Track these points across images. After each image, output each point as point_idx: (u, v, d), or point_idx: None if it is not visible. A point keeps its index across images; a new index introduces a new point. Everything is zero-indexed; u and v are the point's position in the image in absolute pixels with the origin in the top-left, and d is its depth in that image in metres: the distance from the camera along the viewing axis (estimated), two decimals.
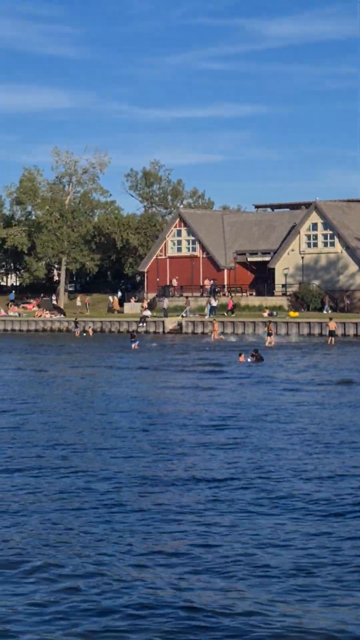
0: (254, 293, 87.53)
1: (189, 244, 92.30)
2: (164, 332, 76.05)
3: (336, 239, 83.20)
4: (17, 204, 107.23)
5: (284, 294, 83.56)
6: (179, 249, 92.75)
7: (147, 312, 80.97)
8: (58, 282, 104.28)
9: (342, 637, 10.47)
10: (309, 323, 69.90)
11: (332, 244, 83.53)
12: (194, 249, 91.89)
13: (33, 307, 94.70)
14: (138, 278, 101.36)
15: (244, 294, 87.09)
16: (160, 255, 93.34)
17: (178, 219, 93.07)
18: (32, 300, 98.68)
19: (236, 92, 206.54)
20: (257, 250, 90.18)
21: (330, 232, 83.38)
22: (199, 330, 74.06)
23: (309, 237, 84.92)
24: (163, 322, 77.33)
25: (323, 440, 22.54)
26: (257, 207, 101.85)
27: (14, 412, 27.98)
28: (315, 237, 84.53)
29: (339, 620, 10.88)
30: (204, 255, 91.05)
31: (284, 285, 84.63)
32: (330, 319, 64.24)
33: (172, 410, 28.48)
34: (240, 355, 46.99)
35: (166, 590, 11.83)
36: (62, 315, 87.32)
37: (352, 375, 38.95)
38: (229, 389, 34.60)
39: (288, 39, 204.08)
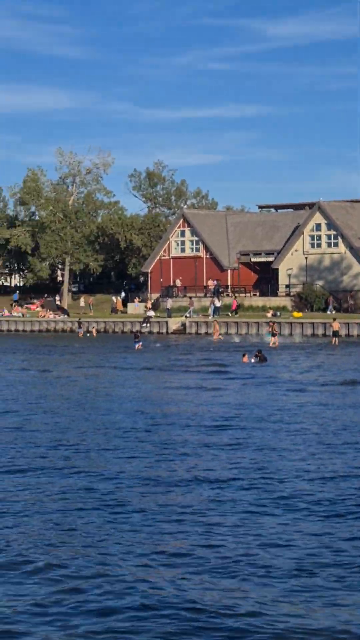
0: (258, 293, 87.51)
1: (192, 244, 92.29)
2: (167, 332, 76.05)
3: (340, 240, 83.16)
4: (21, 204, 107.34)
5: (288, 295, 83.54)
6: (183, 250, 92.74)
7: (151, 313, 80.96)
8: (62, 282, 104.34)
9: (346, 638, 10.46)
10: (313, 323, 69.88)
11: (336, 245, 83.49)
12: (197, 250, 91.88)
13: (37, 307, 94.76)
14: (142, 278, 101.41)
15: (248, 294, 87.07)
16: (163, 256, 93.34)
17: (181, 220, 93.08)
18: (35, 301, 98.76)
19: (239, 93, 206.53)
20: (260, 251, 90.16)
21: (334, 232, 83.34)
22: (203, 330, 74.05)
23: (312, 237, 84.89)
24: (167, 322, 77.33)
25: (326, 440, 22.52)
26: (260, 207, 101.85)
27: (18, 413, 27.98)
28: (319, 237, 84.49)
29: (342, 620, 10.86)
30: (208, 256, 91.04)
31: (287, 286, 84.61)
32: (334, 319, 64.21)
33: (176, 410, 28.47)
34: (243, 355, 46.97)
35: (169, 590, 11.82)
36: (65, 316, 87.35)
37: (356, 375, 38.90)
38: (233, 389, 34.57)
39: (290, 40, 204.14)
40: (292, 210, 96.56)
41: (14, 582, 12.23)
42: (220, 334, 66.98)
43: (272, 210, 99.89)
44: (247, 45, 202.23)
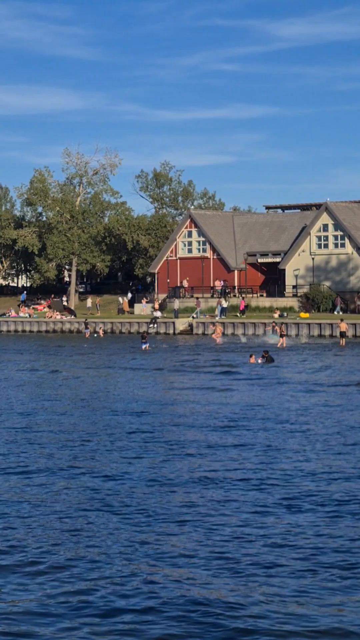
0: (265, 294, 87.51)
1: (199, 245, 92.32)
2: (174, 333, 76.05)
3: (347, 240, 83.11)
4: (28, 205, 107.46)
5: (295, 295, 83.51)
6: (190, 250, 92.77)
7: (158, 313, 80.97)
8: (69, 283, 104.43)
9: (352, 639, 10.48)
10: (320, 324, 69.83)
11: (343, 245, 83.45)
12: (204, 250, 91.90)
13: (44, 308, 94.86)
14: (149, 279, 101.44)
15: (255, 295, 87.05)
16: (170, 256, 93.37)
17: (188, 220, 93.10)
18: (42, 301, 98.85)
19: (247, 94, 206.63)
20: (267, 252, 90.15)
21: (341, 233, 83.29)
22: (210, 331, 74.02)
23: (319, 238, 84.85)
24: (173, 323, 77.33)
25: (333, 441, 22.52)
26: (267, 208, 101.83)
27: (30, 414, 28.02)
28: (326, 238, 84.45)
29: (347, 620, 10.88)
30: (215, 256, 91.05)
31: (294, 287, 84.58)
32: (341, 320, 64.15)
33: (184, 411, 28.49)
34: (251, 356, 46.98)
35: (174, 591, 11.84)
36: (72, 316, 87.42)
37: None
38: (240, 390, 34.58)
39: (299, 40, 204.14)
40: (299, 210, 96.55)
41: (19, 583, 12.25)
42: (220, 335, 66.68)
43: (279, 210, 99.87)
44: (255, 46, 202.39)
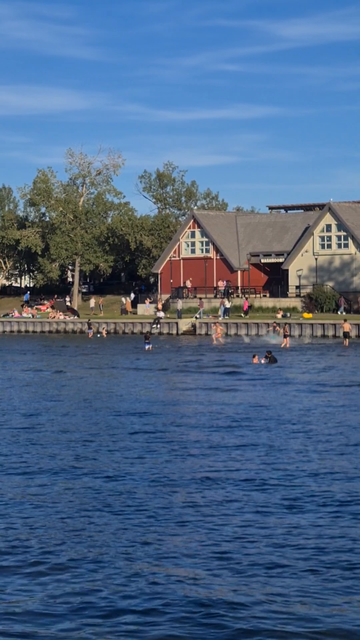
0: (268, 295, 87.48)
1: (202, 245, 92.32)
2: (177, 333, 76.04)
3: (350, 241, 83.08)
4: (31, 205, 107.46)
5: (298, 296, 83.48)
6: (193, 251, 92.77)
7: (161, 314, 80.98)
8: (72, 283, 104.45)
9: (355, 638, 10.46)
10: (323, 325, 69.80)
11: (346, 245, 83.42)
12: (207, 251, 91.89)
13: (47, 308, 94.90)
14: (152, 279, 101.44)
15: (258, 295, 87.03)
16: (173, 257, 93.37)
17: (192, 221, 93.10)
18: (46, 302, 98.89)
19: (250, 94, 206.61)
20: (270, 252, 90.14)
21: (344, 233, 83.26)
22: (213, 332, 73.96)
23: (322, 238, 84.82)
24: (177, 323, 77.31)
25: (336, 441, 22.50)
26: (270, 208, 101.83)
27: (35, 414, 28.03)
28: (329, 238, 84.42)
29: (349, 620, 10.86)
30: (218, 257, 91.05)
31: (297, 287, 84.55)
32: (345, 320, 64.14)
33: (188, 411, 28.49)
34: (254, 356, 46.97)
35: (177, 590, 11.82)
36: (75, 317, 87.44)
37: None
38: (243, 390, 34.57)
39: (301, 41, 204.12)
40: (302, 211, 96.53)
41: (21, 583, 12.24)
42: (221, 335, 66.64)
43: (282, 211, 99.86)
44: (257, 46, 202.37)
